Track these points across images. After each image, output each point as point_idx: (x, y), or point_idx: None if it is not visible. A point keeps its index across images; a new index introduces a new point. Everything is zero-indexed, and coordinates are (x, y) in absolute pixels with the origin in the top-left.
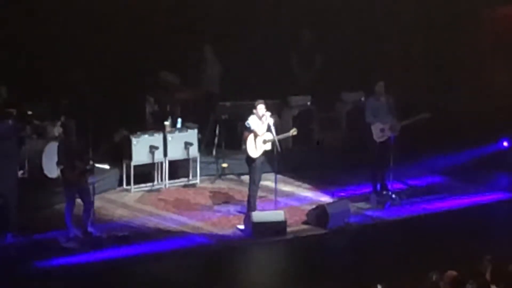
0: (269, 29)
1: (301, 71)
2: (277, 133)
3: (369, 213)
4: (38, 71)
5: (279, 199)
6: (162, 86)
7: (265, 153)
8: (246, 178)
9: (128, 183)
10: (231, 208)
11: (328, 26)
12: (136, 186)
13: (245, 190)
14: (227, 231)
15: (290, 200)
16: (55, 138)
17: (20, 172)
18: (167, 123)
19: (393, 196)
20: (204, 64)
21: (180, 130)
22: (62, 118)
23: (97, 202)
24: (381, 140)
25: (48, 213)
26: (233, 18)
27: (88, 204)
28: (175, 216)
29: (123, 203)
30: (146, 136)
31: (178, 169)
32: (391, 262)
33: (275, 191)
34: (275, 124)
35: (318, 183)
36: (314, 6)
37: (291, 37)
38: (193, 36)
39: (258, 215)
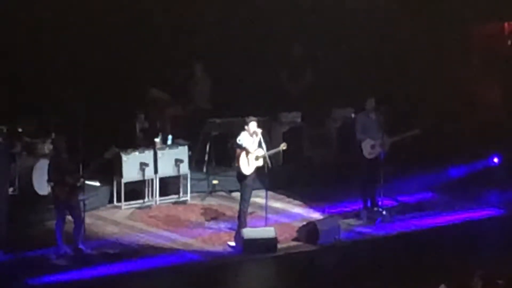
0: (259, 45)
1: (291, 87)
2: (267, 149)
3: (359, 229)
4: (28, 88)
5: (269, 215)
6: (152, 103)
7: (257, 169)
8: (236, 194)
9: (119, 200)
10: (222, 225)
11: (318, 41)
12: (126, 203)
13: (236, 206)
14: (218, 248)
15: (281, 217)
16: (45, 155)
17: (10, 189)
18: (157, 140)
19: (384, 212)
20: (194, 80)
21: (170, 147)
22: (53, 135)
23: (88, 219)
24: (372, 156)
25: (39, 230)
26: (222, 34)
27: (79, 221)
28: (165, 233)
29: (114, 220)
30: (137, 153)
31: (168, 186)
32: (382, 278)
33: (266, 208)
34: (265, 141)
35: (309, 200)
36: (305, 22)
37: (281, 53)
38: (183, 53)
39: (249, 232)
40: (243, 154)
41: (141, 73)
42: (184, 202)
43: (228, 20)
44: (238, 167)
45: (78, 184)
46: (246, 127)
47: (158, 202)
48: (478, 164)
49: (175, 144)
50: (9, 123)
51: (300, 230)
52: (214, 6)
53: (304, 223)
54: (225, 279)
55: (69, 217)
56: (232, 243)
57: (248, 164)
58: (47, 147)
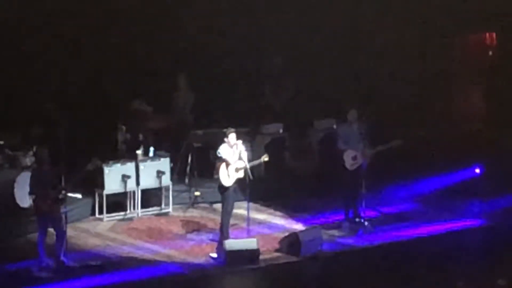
0: (242, 57)
1: (273, 99)
2: (249, 161)
3: (341, 240)
4: (9, 101)
5: (251, 227)
6: (135, 115)
7: (238, 181)
8: (218, 206)
9: (101, 212)
10: (204, 236)
11: (301, 54)
12: (108, 215)
13: (218, 218)
14: (200, 260)
15: (263, 228)
16: (27, 168)
17: None
18: (139, 151)
19: (366, 223)
20: (177, 92)
21: (152, 158)
22: (35, 148)
23: (70, 231)
24: (353, 167)
25: (21, 243)
26: (206, 46)
27: (61, 233)
28: (147, 245)
29: (96, 232)
30: (118, 165)
31: (150, 197)
32: None
33: (248, 219)
34: (246, 152)
35: (291, 211)
36: (287, 34)
37: (264, 65)
38: (165, 65)
39: (231, 243)
40: (223, 165)
41: (124, 84)
42: (166, 214)
43: (211, 32)
44: (218, 179)
45: (60, 197)
46: (226, 139)
47: (140, 214)
48: (460, 175)
49: (157, 155)
50: None
51: (282, 241)
52: (197, 18)
53: (286, 234)
54: None
55: (51, 230)
56: (214, 255)
57: (228, 176)
58: (29, 160)
